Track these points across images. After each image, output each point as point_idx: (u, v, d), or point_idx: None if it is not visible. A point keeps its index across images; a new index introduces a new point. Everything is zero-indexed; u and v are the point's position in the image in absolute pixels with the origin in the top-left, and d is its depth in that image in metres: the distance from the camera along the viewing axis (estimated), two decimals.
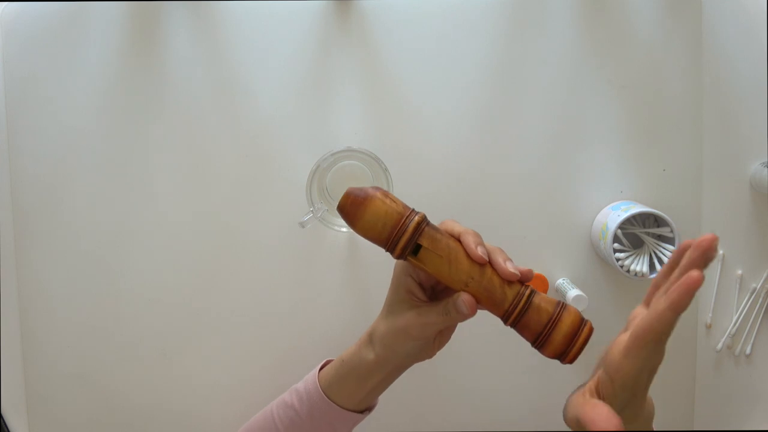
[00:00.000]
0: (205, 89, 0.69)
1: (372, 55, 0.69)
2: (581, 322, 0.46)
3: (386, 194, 0.48)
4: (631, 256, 0.67)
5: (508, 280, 0.47)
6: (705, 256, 0.40)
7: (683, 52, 0.70)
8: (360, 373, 0.54)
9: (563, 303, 0.47)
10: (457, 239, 0.48)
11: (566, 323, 0.46)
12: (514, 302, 0.46)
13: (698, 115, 0.70)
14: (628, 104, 0.70)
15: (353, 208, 0.48)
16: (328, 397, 0.55)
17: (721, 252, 0.70)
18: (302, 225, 0.62)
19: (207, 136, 0.69)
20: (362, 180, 0.68)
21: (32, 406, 0.70)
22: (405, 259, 0.48)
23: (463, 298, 0.47)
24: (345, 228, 0.66)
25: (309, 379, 0.58)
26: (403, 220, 0.47)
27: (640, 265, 0.66)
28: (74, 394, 0.70)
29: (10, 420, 0.69)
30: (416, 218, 0.47)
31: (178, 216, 0.70)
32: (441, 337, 0.53)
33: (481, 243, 0.48)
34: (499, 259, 0.47)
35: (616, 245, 0.66)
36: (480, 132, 0.70)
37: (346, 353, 0.56)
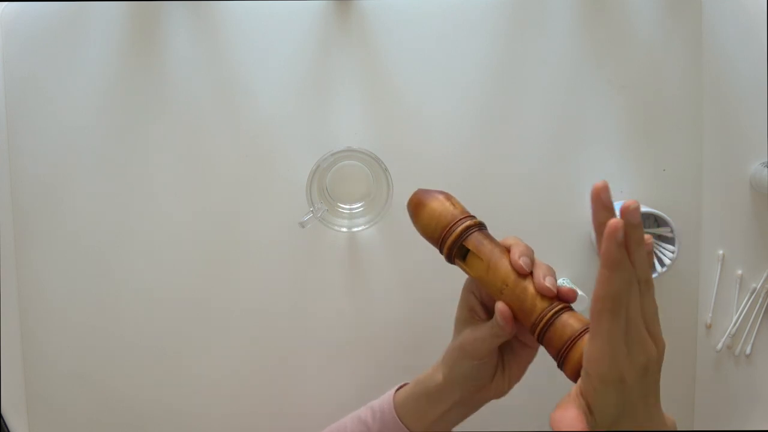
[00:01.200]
0: (205, 89, 0.69)
1: (372, 55, 0.69)
2: None
3: (449, 197, 0.51)
4: None
5: (542, 294, 0.46)
6: (603, 206, 0.40)
7: (683, 52, 0.70)
8: (431, 394, 0.53)
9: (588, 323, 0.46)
10: (507, 249, 0.49)
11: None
12: (541, 314, 0.45)
13: (698, 115, 0.70)
14: (628, 104, 0.70)
15: (414, 207, 0.51)
16: (399, 418, 0.55)
17: (721, 252, 0.70)
18: (302, 225, 0.62)
19: (207, 135, 0.69)
20: (362, 180, 0.68)
21: (32, 406, 0.70)
22: (453, 261, 0.50)
23: (498, 306, 0.46)
24: (345, 228, 0.66)
25: (384, 397, 0.57)
26: (454, 222, 0.49)
27: None
28: (74, 394, 0.70)
29: (10, 420, 0.69)
30: (467, 222, 0.49)
31: (178, 216, 0.70)
32: (511, 370, 0.52)
33: (526, 254, 0.48)
34: (538, 272, 0.47)
35: None
36: (480, 132, 0.70)
37: (423, 373, 0.55)
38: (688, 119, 0.70)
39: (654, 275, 0.65)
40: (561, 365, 0.45)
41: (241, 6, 0.68)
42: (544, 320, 0.45)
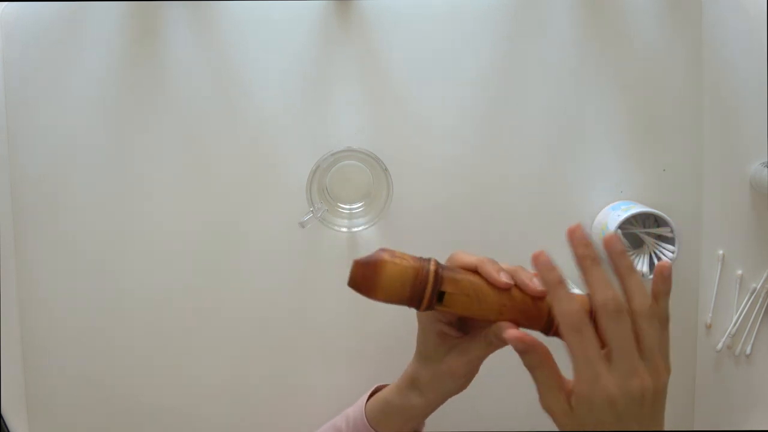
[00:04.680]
0: (205, 89, 0.69)
1: (372, 55, 0.69)
2: None
3: (392, 253, 0.47)
4: (631, 256, 0.67)
5: (539, 296, 0.46)
6: (580, 243, 0.42)
7: (683, 52, 0.70)
8: (407, 415, 0.55)
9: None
10: (474, 271, 0.47)
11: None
12: (550, 314, 0.46)
13: (698, 115, 0.70)
14: (628, 104, 0.70)
15: (366, 281, 0.46)
16: (374, 428, 0.56)
17: (721, 252, 0.70)
18: (302, 225, 0.62)
19: (207, 135, 0.69)
20: (362, 180, 0.68)
21: (32, 406, 0.70)
22: (432, 309, 0.47)
23: (507, 331, 0.45)
24: (345, 228, 0.66)
25: (357, 412, 0.58)
26: (420, 274, 0.46)
27: (640, 265, 0.66)
28: (74, 394, 0.70)
29: (10, 420, 0.69)
30: (432, 267, 0.46)
31: (178, 216, 0.70)
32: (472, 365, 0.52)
33: (500, 268, 0.47)
34: (524, 280, 0.47)
35: None
36: (480, 132, 0.70)
37: (390, 394, 0.56)
38: (688, 119, 0.70)
39: (653, 275, 0.65)
40: None
41: (241, 6, 0.68)
42: (552, 316, 0.46)
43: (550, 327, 0.46)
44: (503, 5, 0.69)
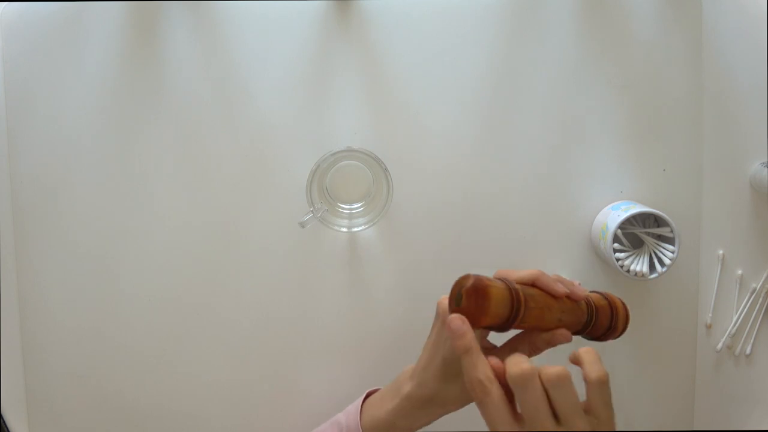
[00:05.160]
0: (205, 89, 0.69)
1: (372, 55, 0.69)
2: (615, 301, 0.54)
3: (482, 277, 0.47)
4: (631, 256, 0.67)
5: (585, 300, 0.51)
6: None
7: (683, 52, 0.70)
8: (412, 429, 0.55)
9: (600, 293, 0.54)
10: (532, 284, 0.49)
11: (619, 306, 0.53)
12: (589, 313, 0.51)
13: (698, 115, 0.70)
14: (628, 104, 0.70)
15: (479, 308, 0.45)
16: None
17: (720, 252, 0.70)
18: (302, 225, 0.62)
19: (207, 135, 0.69)
20: (362, 180, 0.68)
21: (32, 406, 0.70)
22: (512, 327, 0.48)
23: (565, 335, 0.49)
24: (345, 228, 0.66)
25: (351, 419, 0.57)
26: (513, 295, 0.46)
27: (640, 265, 0.66)
28: (74, 394, 0.70)
29: (10, 420, 0.69)
30: (515, 287, 0.47)
31: (178, 216, 0.70)
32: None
33: (557, 280, 0.50)
34: (574, 289, 0.50)
35: (616, 245, 0.66)
36: (480, 132, 0.70)
37: (394, 416, 0.54)
38: (688, 119, 0.70)
39: (654, 275, 0.65)
40: (618, 329, 0.53)
41: (241, 6, 0.68)
42: (593, 317, 0.51)
43: (588, 325, 0.51)
44: (503, 5, 0.69)
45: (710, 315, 0.70)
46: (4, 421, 0.68)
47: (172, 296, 0.70)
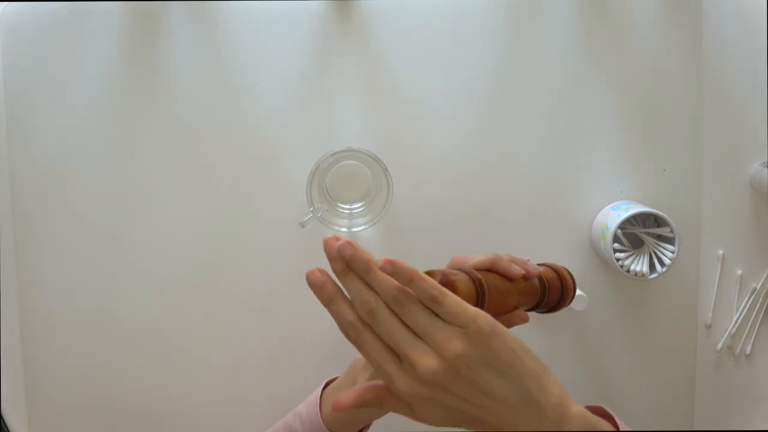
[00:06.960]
0: (205, 89, 0.69)
1: (372, 55, 0.69)
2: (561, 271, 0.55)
3: (447, 272, 0.47)
4: (631, 256, 0.67)
5: (530, 276, 0.52)
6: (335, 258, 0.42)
7: (683, 52, 0.70)
8: (372, 420, 0.56)
9: (546, 265, 0.55)
10: (488, 270, 0.49)
11: (566, 276, 0.54)
12: (542, 290, 0.52)
13: (698, 115, 0.70)
14: (628, 104, 0.70)
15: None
16: (329, 429, 0.56)
17: (720, 252, 0.70)
18: (302, 225, 0.62)
19: (207, 135, 0.69)
20: (362, 180, 0.68)
21: (32, 406, 0.70)
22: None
23: (522, 316, 0.50)
24: (345, 228, 0.66)
25: (311, 409, 0.58)
26: (477, 285, 0.47)
27: (640, 265, 0.66)
28: (74, 394, 0.70)
29: (10, 420, 0.69)
30: (476, 276, 0.47)
31: (178, 216, 0.70)
32: None
33: (510, 261, 0.50)
34: (527, 267, 0.51)
35: (616, 245, 0.66)
36: (480, 132, 0.70)
37: (357, 410, 0.55)
38: (688, 119, 0.70)
39: (654, 275, 0.65)
40: (567, 300, 0.54)
41: (242, 6, 0.68)
42: (545, 292, 0.53)
43: (542, 301, 0.52)
44: (503, 6, 0.69)
45: (710, 315, 0.70)
46: (4, 421, 0.68)
47: (172, 296, 0.70)
